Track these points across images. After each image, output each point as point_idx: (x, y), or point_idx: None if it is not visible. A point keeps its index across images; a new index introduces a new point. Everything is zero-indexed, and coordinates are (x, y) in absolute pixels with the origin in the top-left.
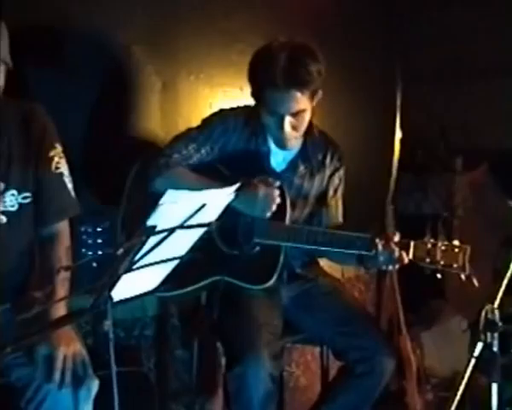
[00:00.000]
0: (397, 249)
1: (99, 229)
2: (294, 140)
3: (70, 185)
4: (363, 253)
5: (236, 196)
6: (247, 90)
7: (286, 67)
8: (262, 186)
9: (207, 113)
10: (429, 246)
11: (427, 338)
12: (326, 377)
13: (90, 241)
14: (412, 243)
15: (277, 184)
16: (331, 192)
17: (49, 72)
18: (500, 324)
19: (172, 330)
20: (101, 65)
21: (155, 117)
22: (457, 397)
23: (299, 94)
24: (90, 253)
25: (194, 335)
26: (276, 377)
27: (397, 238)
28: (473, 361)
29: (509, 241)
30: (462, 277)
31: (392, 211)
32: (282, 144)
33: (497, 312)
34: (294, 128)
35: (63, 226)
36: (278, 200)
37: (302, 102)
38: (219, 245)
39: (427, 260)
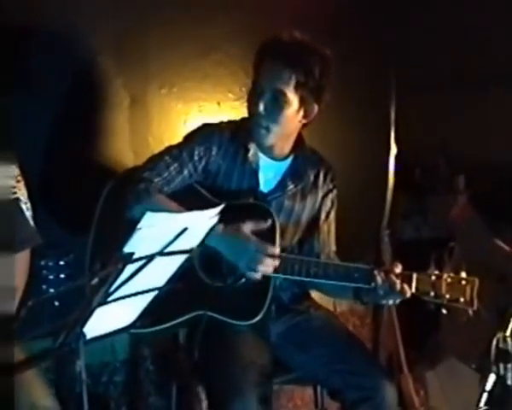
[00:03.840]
0: (398, 282)
1: (62, 262)
2: (272, 136)
3: (28, 213)
4: (362, 286)
5: (222, 238)
6: (225, 105)
7: (286, 42)
8: (253, 238)
9: (181, 130)
10: (434, 278)
11: (432, 378)
12: None
13: (51, 276)
14: (415, 276)
15: (268, 223)
16: (323, 216)
17: (5, 84)
18: None
19: (146, 375)
20: (63, 77)
21: (123, 135)
22: None
23: (287, 73)
24: (52, 290)
25: (172, 379)
26: None
27: (398, 270)
28: (484, 396)
29: (505, 278)
30: (470, 312)
31: (388, 236)
32: (256, 134)
33: (509, 340)
34: (270, 115)
35: (20, 259)
36: (272, 262)
37: (287, 84)
38: (201, 276)
39: (432, 294)
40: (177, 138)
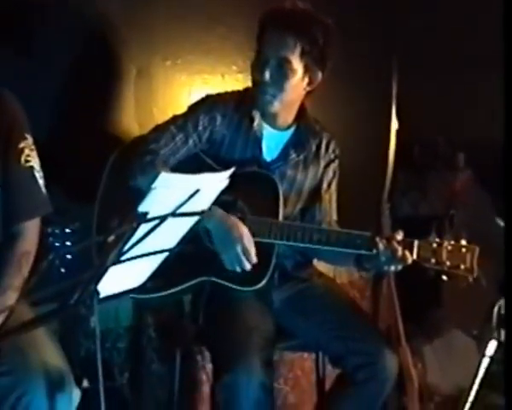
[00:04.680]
0: (400, 249)
1: (68, 230)
2: (277, 104)
3: (41, 181)
4: (364, 252)
5: (219, 223)
6: (229, 77)
7: (290, 10)
8: (246, 239)
9: (185, 102)
10: (435, 246)
11: (429, 352)
12: (322, 388)
13: (57, 243)
14: (416, 243)
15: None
16: (325, 186)
17: (11, 57)
18: None
19: (148, 342)
20: (69, 50)
21: (129, 106)
22: (469, 401)
23: (292, 41)
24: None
25: (175, 346)
26: (268, 387)
27: (400, 237)
28: (485, 361)
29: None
30: (470, 279)
31: (388, 210)
32: (261, 103)
33: None
34: (276, 83)
35: (31, 226)
36: (251, 262)
37: (292, 52)
38: (206, 243)
39: (433, 260)
40: (181, 110)
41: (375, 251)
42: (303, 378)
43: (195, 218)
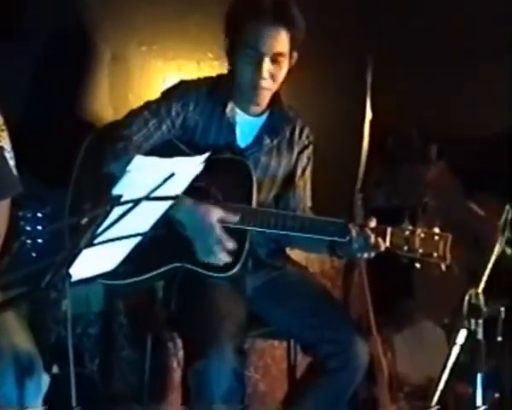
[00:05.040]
0: (373, 236)
1: (39, 214)
2: (267, 94)
3: (11, 162)
4: (337, 239)
5: (190, 213)
6: (204, 64)
7: (276, 1)
8: (219, 229)
9: (160, 88)
10: (407, 233)
11: (400, 342)
12: (293, 376)
13: (28, 227)
14: (389, 230)
15: (238, 217)
16: (299, 172)
17: None
18: (485, 309)
19: (119, 328)
20: (43, 32)
21: (103, 91)
22: (438, 389)
23: (284, 34)
24: (29, 241)
25: (147, 332)
26: (239, 374)
27: (373, 224)
28: (455, 349)
29: (478, 241)
30: (443, 267)
31: (361, 200)
32: (253, 96)
33: (481, 296)
34: (271, 77)
35: (1, 207)
36: (228, 258)
37: (285, 45)
38: (179, 228)
39: (405, 248)
40: (156, 95)
41: (348, 238)
42: (273, 367)
43: (169, 202)
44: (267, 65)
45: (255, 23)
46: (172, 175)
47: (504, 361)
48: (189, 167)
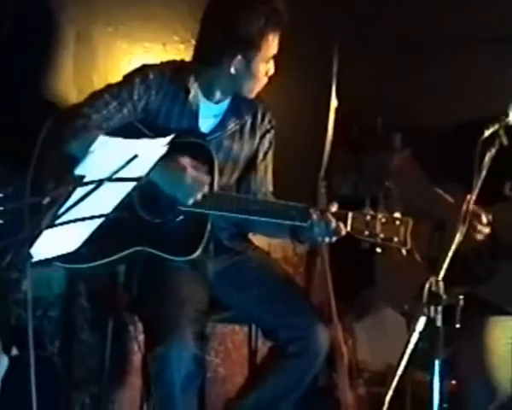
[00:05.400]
0: (334, 220)
1: (0, 195)
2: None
3: None
4: (298, 224)
5: (161, 171)
6: (170, 47)
7: (281, 11)
8: (191, 169)
9: (125, 70)
10: (368, 218)
11: (360, 329)
12: (253, 361)
13: None
14: (350, 214)
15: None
16: (261, 156)
17: None
18: (444, 296)
19: (80, 311)
20: (6, 9)
21: (67, 72)
22: (396, 376)
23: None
24: None
25: (108, 315)
26: (200, 359)
27: (334, 209)
28: (414, 336)
29: (441, 225)
30: (403, 252)
31: (324, 188)
32: (250, 92)
33: (441, 284)
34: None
35: None
36: (206, 189)
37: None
38: (140, 212)
39: (366, 232)
40: (121, 77)
41: (309, 222)
42: (234, 351)
43: (132, 184)
44: (268, 67)
45: (269, 35)
46: (136, 157)
47: (462, 349)
48: (152, 149)
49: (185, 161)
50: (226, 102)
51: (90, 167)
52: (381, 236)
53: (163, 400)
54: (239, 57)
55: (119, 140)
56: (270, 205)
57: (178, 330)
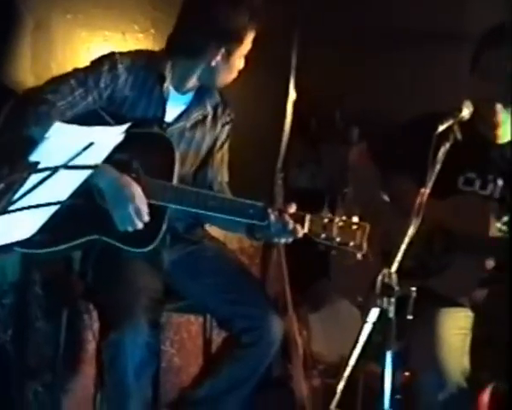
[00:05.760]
0: (291, 222)
1: None
2: None
3: None
4: (256, 222)
5: (110, 181)
6: (130, 36)
7: (259, 3)
8: (138, 199)
9: (84, 58)
10: (326, 221)
11: (315, 321)
12: (208, 351)
13: None
14: (308, 217)
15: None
16: (218, 145)
17: None
18: (397, 288)
19: (34, 299)
20: None
21: (25, 60)
22: (348, 367)
23: None
24: None
25: (63, 303)
26: (153, 347)
27: (292, 210)
28: (366, 327)
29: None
30: (359, 256)
31: (281, 180)
32: (221, 86)
33: (394, 276)
34: None
35: None
36: (141, 226)
37: None
38: (98, 200)
39: (323, 235)
40: (80, 66)
41: (266, 222)
42: (189, 341)
43: (88, 171)
44: (242, 61)
45: (249, 25)
46: (91, 144)
47: (414, 340)
48: (108, 137)
49: (135, 189)
50: (191, 93)
51: (45, 154)
52: (338, 239)
53: (116, 387)
54: (222, 50)
55: (75, 127)
56: (228, 202)
57: (132, 318)
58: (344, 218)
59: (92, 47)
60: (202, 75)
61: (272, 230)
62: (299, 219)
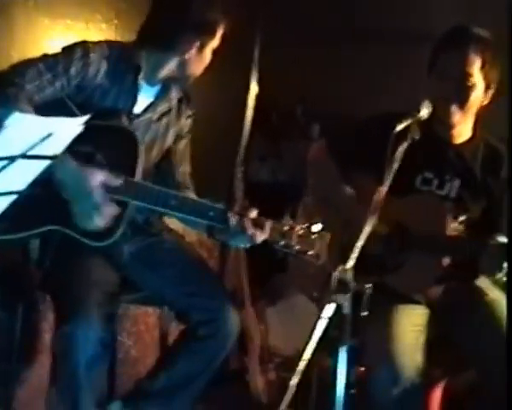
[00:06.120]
0: (251, 228)
1: None
2: None
3: None
4: (215, 225)
5: (71, 176)
6: (93, 25)
7: None
8: (97, 193)
9: (46, 47)
10: (286, 228)
11: (273, 315)
12: (165, 342)
13: None
14: (268, 223)
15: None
16: (181, 137)
17: None
18: (353, 284)
19: None
20: None
21: None
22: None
23: None
24: None
25: (19, 293)
26: (107, 341)
27: (253, 215)
28: (321, 322)
29: (349, 223)
30: (316, 264)
31: (241, 173)
32: (190, 79)
33: (350, 272)
34: None
35: None
36: (102, 222)
37: None
38: (59, 191)
39: (282, 242)
40: (41, 53)
41: (226, 225)
42: (146, 333)
43: (46, 162)
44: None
45: (222, 19)
46: (50, 135)
47: (370, 336)
48: (68, 128)
49: (99, 178)
50: (158, 86)
51: (3, 143)
52: (297, 247)
53: (67, 379)
54: (197, 43)
55: (33, 117)
56: (189, 202)
57: (86, 311)
58: (304, 226)
59: (54, 35)
60: (174, 67)
61: (231, 234)
62: (259, 225)
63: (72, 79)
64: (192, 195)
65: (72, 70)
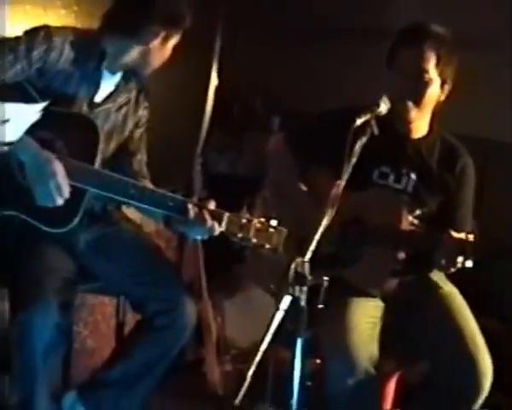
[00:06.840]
0: (209, 220)
1: None
2: None
3: None
4: (174, 215)
5: (32, 159)
6: (51, 12)
7: None
8: (60, 175)
9: (4, 32)
10: (244, 221)
11: (230, 307)
12: (121, 333)
13: None
14: (226, 216)
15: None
16: (138, 126)
17: None
18: (310, 277)
19: None
20: None
21: None
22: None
23: None
24: None
25: None
26: (64, 328)
27: (212, 207)
28: (278, 314)
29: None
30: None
31: (200, 164)
32: (151, 69)
33: (306, 265)
34: None
35: None
36: (61, 201)
37: None
38: (18, 177)
39: (240, 235)
40: None
41: (184, 216)
42: (103, 323)
43: (3, 148)
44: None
45: (188, 11)
46: (6, 121)
47: (325, 328)
48: (25, 115)
49: (57, 166)
50: (119, 75)
51: None
52: (254, 240)
53: (23, 367)
54: (162, 34)
55: None
56: (149, 192)
57: (42, 298)
58: (262, 220)
59: (12, 21)
60: (137, 56)
61: (189, 225)
62: (217, 217)
63: (33, 63)
64: (149, 184)
65: (35, 53)
